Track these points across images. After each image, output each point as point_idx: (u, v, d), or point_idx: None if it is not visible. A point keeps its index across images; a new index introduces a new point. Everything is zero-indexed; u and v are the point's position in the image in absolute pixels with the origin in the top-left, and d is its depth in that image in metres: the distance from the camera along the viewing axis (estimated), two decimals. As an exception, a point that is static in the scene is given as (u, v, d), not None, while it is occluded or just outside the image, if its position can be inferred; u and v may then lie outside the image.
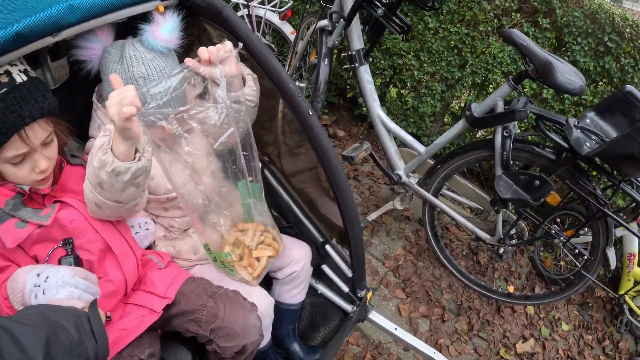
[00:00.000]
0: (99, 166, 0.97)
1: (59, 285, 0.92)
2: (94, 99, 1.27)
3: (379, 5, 2.02)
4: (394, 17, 2.02)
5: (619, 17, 2.30)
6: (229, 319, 1.12)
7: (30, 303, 0.92)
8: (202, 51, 1.08)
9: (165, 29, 1.17)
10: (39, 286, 0.92)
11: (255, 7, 3.14)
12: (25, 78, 1.01)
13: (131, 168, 0.98)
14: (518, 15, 2.51)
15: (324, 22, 2.33)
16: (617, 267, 2.37)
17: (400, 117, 3.04)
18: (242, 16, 3.24)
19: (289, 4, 3.15)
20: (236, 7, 3.25)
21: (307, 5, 2.82)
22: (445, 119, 3.09)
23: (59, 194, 1.11)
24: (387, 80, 3.11)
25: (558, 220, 2.39)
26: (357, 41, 2.21)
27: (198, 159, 1.16)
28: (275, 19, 3.13)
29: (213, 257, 1.21)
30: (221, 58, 1.11)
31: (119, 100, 0.90)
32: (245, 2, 3.18)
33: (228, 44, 1.14)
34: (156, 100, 1.05)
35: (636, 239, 2.28)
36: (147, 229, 1.26)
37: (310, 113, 1.06)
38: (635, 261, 2.31)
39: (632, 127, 1.54)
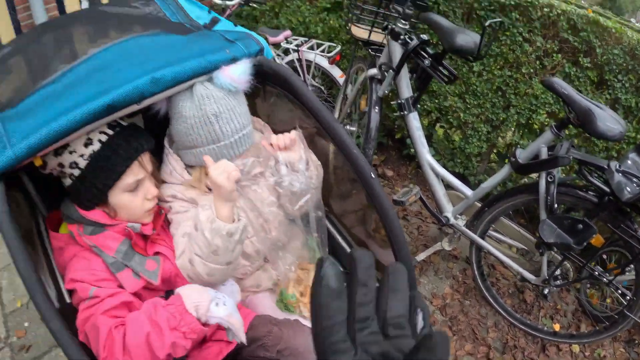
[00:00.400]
0: (213, 235, 1.12)
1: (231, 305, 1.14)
2: (165, 143, 1.37)
3: (426, 56, 2.16)
4: (440, 68, 2.14)
5: None
6: (293, 341, 1.25)
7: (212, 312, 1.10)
8: (273, 139, 1.26)
9: (236, 70, 1.24)
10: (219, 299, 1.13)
11: (305, 51, 3.36)
12: (126, 123, 1.21)
13: (239, 227, 1.14)
14: (559, 55, 2.58)
15: (374, 71, 2.51)
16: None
17: (448, 157, 3.15)
18: (292, 60, 3.49)
19: (338, 49, 3.34)
20: (286, 51, 3.50)
21: (356, 51, 3.00)
22: (491, 157, 3.17)
23: (155, 239, 1.28)
24: (434, 121, 3.23)
25: (604, 256, 2.40)
26: (406, 90, 2.35)
27: (267, 209, 1.32)
28: (324, 62, 3.34)
29: (280, 298, 1.37)
30: (288, 145, 1.28)
31: (223, 169, 1.12)
32: (296, 47, 3.41)
33: (293, 134, 1.30)
34: (228, 137, 1.23)
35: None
36: (232, 290, 1.34)
37: (373, 176, 1.18)
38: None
39: None
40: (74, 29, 1.44)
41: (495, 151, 3.17)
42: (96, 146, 1.13)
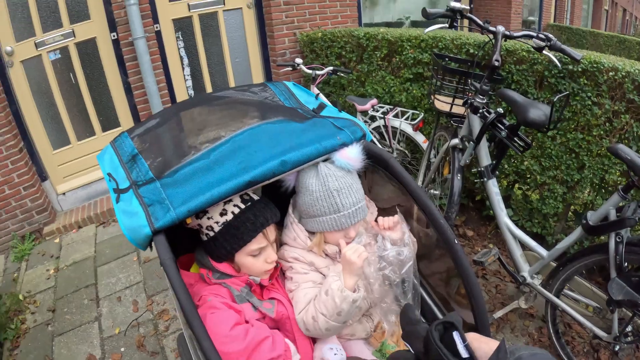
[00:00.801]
0: (341, 301, 1.36)
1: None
2: (290, 212, 1.62)
3: (502, 128, 2.38)
4: (515, 138, 2.35)
5: None
6: None
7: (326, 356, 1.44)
8: (380, 220, 1.54)
9: (352, 152, 1.48)
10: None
11: (391, 119, 3.74)
12: (257, 197, 1.47)
13: (360, 295, 1.40)
14: (627, 116, 2.67)
15: (456, 141, 2.78)
16: None
17: (526, 218, 3.29)
18: (378, 126, 3.86)
19: (421, 116, 3.68)
20: (373, 118, 3.89)
21: (439, 120, 3.27)
22: (568, 216, 3.26)
23: (270, 287, 1.55)
24: (512, 182, 3.41)
25: None
26: (485, 158, 2.57)
27: (372, 273, 1.53)
28: (409, 129, 3.68)
29: (380, 348, 1.60)
30: (392, 227, 1.54)
31: (355, 250, 1.39)
32: (382, 115, 3.78)
33: (396, 217, 1.53)
34: (346, 209, 1.45)
35: None
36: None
37: (456, 242, 1.37)
38: None
39: None
40: (208, 112, 1.75)
41: (571, 210, 3.26)
42: (229, 217, 1.40)
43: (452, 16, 2.60)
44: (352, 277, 1.40)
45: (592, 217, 2.13)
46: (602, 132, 2.80)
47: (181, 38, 4.92)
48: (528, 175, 3.22)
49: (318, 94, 1.91)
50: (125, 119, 4.73)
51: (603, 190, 2.96)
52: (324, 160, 1.51)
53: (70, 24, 4.25)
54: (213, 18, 5.10)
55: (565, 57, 2.52)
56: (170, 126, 1.71)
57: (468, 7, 2.52)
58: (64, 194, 4.59)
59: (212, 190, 1.27)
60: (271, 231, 1.48)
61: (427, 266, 1.76)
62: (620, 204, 2.06)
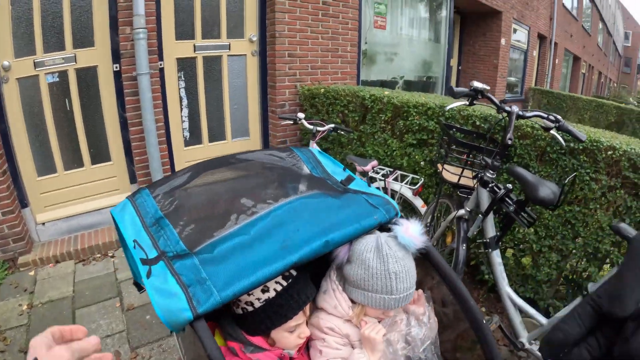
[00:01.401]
0: None
1: None
2: (334, 278, 1.57)
3: (511, 203, 2.57)
4: (522, 213, 2.53)
5: None
6: None
7: None
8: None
9: (415, 230, 1.46)
10: None
11: (391, 182, 3.86)
12: (296, 272, 1.44)
13: None
14: (621, 191, 2.89)
15: (462, 212, 2.93)
16: None
17: (519, 283, 3.50)
18: (378, 187, 3.91)
19: (421, 181, 3.83)
20: (372, 179, 3.99)
21: (442, 189, 3.44)
22: (559, 282, 3.46)
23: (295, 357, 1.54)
24: (504, 247, 3.61)
25: None
26: (491, 230, 2.75)
27: (398, 351, 1.61)
28: (408, 193, 3.81)
29: None
30: (416, 300, 1.62)
31: (372, 328, 1.47)
32: (382, 178, 3.91)
33: (420, 291, 1.63)
34: (399, 293, 1.44)
35: None
36: None
37: (484, 322, 1.49)
38: None
39: None
40: (239, 176, 1.73)
41: (562, 275, 3.44)
42: (272, 294, 1.38)
43: (474, 95, 2.82)
44: (376, 354, 1.46)
45: (593, 288, 2.27)
46: (597, 206, 3.04)
47: (183, 78, 4.99)
48: (523, 243, 3.43)
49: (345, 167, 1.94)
50: (117, 155, 4.73)
51: (594, 259, 3.18)
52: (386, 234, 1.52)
53: (73, 47, 4.22)
54: (217, 62, 5.23)
55: (569, 136, 2.76)
56: (198, 188, 1.66)
57: (488, 87, 2.72)
58: (43, 223, 4.44)
59: (257, 273, 1.23)
60: (307, 308, 1.49)
61: (446, 345, 1.78)
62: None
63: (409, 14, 8.15)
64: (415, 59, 8.61)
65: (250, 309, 1.39)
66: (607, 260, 3.15)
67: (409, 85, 8.41)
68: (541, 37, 15.45)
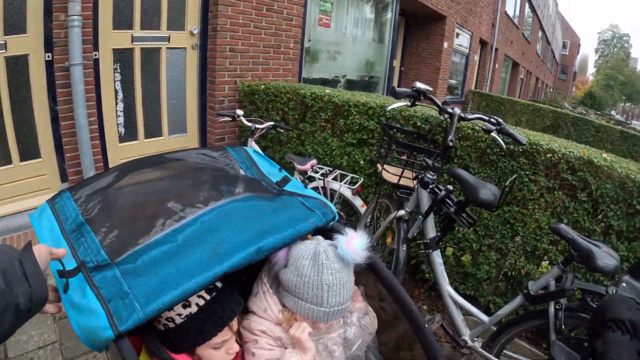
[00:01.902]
0: None
1: None
2: (265, 281, 1.52)
3: (451, 204, 2.60)
4: (463, 214, 2.57)
5: None
6: None
7: None
8: None
9: (359, 244, 1.39)
10: None
11: (330, 181, 3.83)
12: (220, 285, 1.36)
13: None
14: (560, 192, 3.00)
15: (402, 213, 2.94)
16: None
17: (459, 281, 3.57)
18: (317, 187, 3.93)
19: (361, 181, 3.82)
20: (311, 178, 3.96)
21: (382, 188, 3.44)
22: (499, 279, 3.53)
23: None
24: (445, 247, 3.68)
25: None
26: (431, 230, 2.77)
27: (335, 352, 1.59)
28: (348, 193, 3.80)
29: None
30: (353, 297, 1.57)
31: (297, 327, 1.43)
32: (322, 177, 3.88)
33: (354, 287, 1.57)
34: (330, 307, 1.39)
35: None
36: None
37: (427, 326, 1.47)
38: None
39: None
40: (167, 177, 1.65)
41: (502, 273, 3.53)
42: (194, 309, 1.29)
43: (417, 96, 2.82)
44: (307, 352, 1.42)
45: (533, 286, 2.37)
46: (536, 206, 3.14)
47: (119, 70, 4.75)
48: (463, 242, 3.51)
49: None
50: (48, 151, 4.33)
51: (533, 256, 3.27)
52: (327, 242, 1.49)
53: (3, 34, 3.84)
54: (155, 54, 5.02)
55: (509, 139, 2.81)
56: (123, 191, 1.57)
57: (431, 89, 2.73)
58: (-38, 225, 3.97)
59: (184, 285, 1.15)
60: (235, 322, 1.42)
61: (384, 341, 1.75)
62: (558, 275, 2.33)
63: (354, 14, 8.20)
64: (358, 59, 8.67)
65: (171, 325, 1.29)
66: (545, 258, 3.26)
67: (351, 84, 8.48)
68: (483, 43, 15.92)
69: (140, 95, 5.00)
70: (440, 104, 2.81)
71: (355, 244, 1.40)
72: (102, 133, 4.64)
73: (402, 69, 11.79)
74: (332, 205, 1.58)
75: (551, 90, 44.26)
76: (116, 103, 4.80)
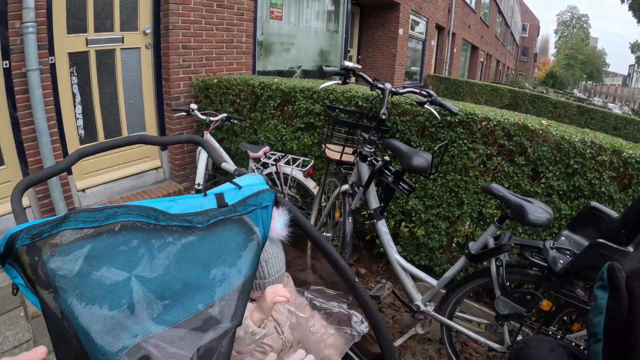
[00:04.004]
0: (242, 327, 1.35)
1: None
2: None
3: (389, 174, 2.66)
4: (401, 182, 2.62)
5: (579, 142, 2.80)
6: None
7: None
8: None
9: (279, 222, 1.46)
10: None
11: (282, 166, 3.88)
12: None
13: (262, 332, 1.42)
14: (499, 158, 3.09)
15: (346, 187, 2.99)
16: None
17: (414, 252, 3.63)
18: (270, 172, 3.99)
19: (311, 163, 3.87)
20: (265, 164, 4.02)
21: (329, 167, 3.48)
22: (452, 247, 3.64)
23: None
24: (399, 221, 3.73)
25: (565, 318, 2.54)
26: (374, 201, 2.82)
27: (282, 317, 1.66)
28: (300, 176, 3.85)
29: None
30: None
31: (274, 291, 1.42)
32: (274, 162, 3.93)
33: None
34: (271, 277, 1.54)
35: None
36: None
37: (357, 280, 1.47)
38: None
39: (588, 245, 1.97)
40: None
41: (455, 242, 3.63)
42: None
43: (346, 74, 2.87)
44: (261, 314, 1.45)
45: (474, 246, 2.44)
46: (477, 173, 3.22)
47: (75, 74, 4.72)
48: (413, 214, 3.55)
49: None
50: (11, 158, 4.30)
51: (481, 223, 3.35)
52: None
53: None
54: (110, 55, 4.99)
55: (444, 110, 2.88)
56: None
57: (360, 66, 2.77)
58: None
59: None
60: None
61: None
62: (497, 233, 2.39)
63: (306, 5, 8.21)
64: (313, 49, 8.70)
65: None
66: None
67: (307, 75, 8.47)
68: (439, 28, 16.04)
69: (97, 96, 4.96)
70: (371, 80, 2.85)
71: (275, 223, 1.46)
72: (63, 136, 4.60)
73: (359, 57, 11.86)
74: (264, 185, 1.48)
75: (513, 72, 44.80)
76: (74, 106, 4.76)
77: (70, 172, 4.56)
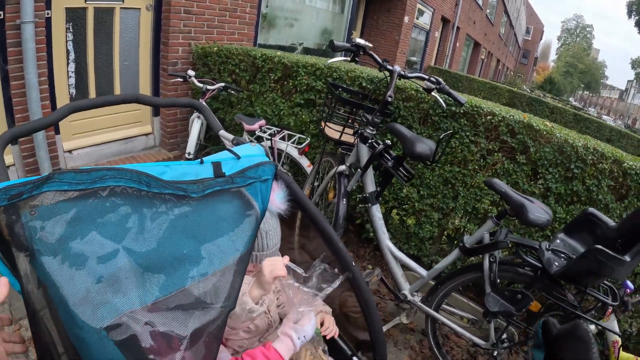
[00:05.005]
0: (239, 304, 1.27)
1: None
2: None
3: (389, 158, 2.63)
4: (400, 168, 2.59)
5: (582, 148, 2.82)
6: None
7: None
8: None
9: (279, 196, 1.42)
10: None
11: (277, 141, 3.84)
12: None
13: (260, 309, 1.35)
14: (499, 154, 3.08)
15: (343, 168, 2.94)
16: (606, 354, 2.66)
17: (403, 241, 3.61)
18: (264, 147, 3.94)
19: (307, 141, 3.83)
20: (259, 138, 3.95)
21: (326, 146, 3.46)
22: (442, 239, 3.62)
23: None
24: (390, 208, 3.71)
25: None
26: (371, 185, 2.78)
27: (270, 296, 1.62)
28: (294, 153, 3.81)
29: None
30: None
31: (272, 263, 1.34)
32: (269, 137, 3.88)
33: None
34: (269, 249, 1.51)
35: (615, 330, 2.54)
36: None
37: (354, 266, 1.44)
38: (619, 347, 2.57)
39: (586, 249, 1.99)
40: None
41: (445, 234, 3.62)
42: None
43: (356, 51, 2.80)
44: (258, 290, 1.36)
45: (469, 240, 2.43)
46: (476, 167, 3.20)
47: (71, 30, 4.58)
48: (407, 202, 3.53)
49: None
50: None
51: (474, 217, 3.35)
52: None
53: None
54: (109, 14, 4.84)
55: (450, 99, 2.83)
56: None
57: (371, 45, 2.70)
58: None
59: None
60: None
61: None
62: (493, 230, 2.38)
63: (314, -18, 8.11)
64: (316, 28, 8.63)
65: None
66: (486, 220, 3.27)
67: (307, 53, 8.34)
68: (445, 20, 15.98)
69: (92, 55, 4.83)
70: (380, 60, 2.79)
71: (275, 196, 1.44)
72: (53, 93, 4.48)
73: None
74: (264, 157, 1.43)
75: (512, 73, 44.92)
76: (67, 63, 4.63)
77: (58, 132, 4.48)
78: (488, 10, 23.40)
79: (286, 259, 1.42)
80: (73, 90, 4.76)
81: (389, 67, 2.77)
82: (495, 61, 32.75)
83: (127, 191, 1.05)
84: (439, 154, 2.53)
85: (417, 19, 12.86)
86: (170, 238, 1.06)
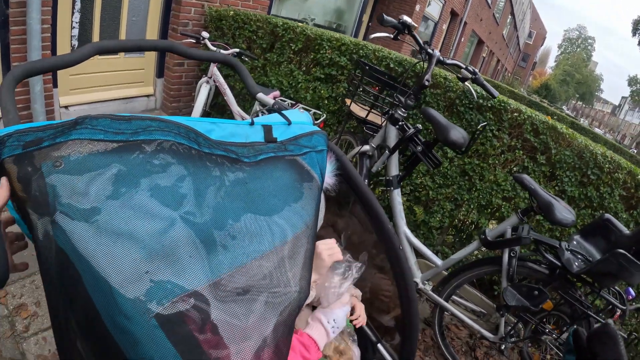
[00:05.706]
0: None
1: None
2: None
3: (419, 143, 2.63)
4: (429, 154, 2.61)
5: (601, 156, 2.88)
6: None
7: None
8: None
9: (328, 169, 1.28)
10: None
11: (292, 118, 3.80)
12: None
13: (313, 294, 1.33)
14: (520, 152, 3.11)
15: (367, 148, 2.94)
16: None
17: (411, 228, 3.55)
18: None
19: (323, 117, 3.79)
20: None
21: (347, 124, 3.46)
22: (449, 231, 3.65)
23: None
24: (403, 194, 3.69)
25: (544, 320, 2.66)
26: (394, 168, 2.79)
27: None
28: None
29: None
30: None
31: (331, 247, 1.34)
32: None
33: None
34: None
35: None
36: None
37: (401, 248, 1.41)
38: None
39: (610, 252, 2.05)
40: None
41: (453, 225, 3.65)
42: None
43: (402, 29, 2.79)
44: (314, 273, 1.31)
45: (491, 233, 2.45)
46: (496, 162, 3.23)
47: None
48: (420, 190, 3.55)
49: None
50: None
51: (486, 211, 3.38)
52: None
53: None
54: None
55: (485, 91, 2.82)
56: None
57: (416, 25, 2.70)
58: None
59: None
60: None
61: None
62: (516, 225, 2.41)
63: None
64: (329, 5, 8.59)
65: None
66: (497, 214, 3.36)
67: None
68: (453, 14, 15.98)
69: (99, 7, 4.64)
70: (422, 42, 2.79)
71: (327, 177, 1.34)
72: (54, 43, 4.27)
73: (370, 24, 11.70)
74: (314, 127, 1.30)
75: (509, 74, 45.13)
76: (72, 13, 4.42)
77: (55, 85, 4.33)
78: (495, 10, 23.50)
79: (333, 240, 1.37)
80: (75, 42, 4.56)
81: (429, 50, 2.76)
82: (496, 61, 32.91)
83: (177, 148, 0.90)
84: (471, 144, 2.53)
85: (427, 9, 12.84)
86: (230, 207, 0.93)
